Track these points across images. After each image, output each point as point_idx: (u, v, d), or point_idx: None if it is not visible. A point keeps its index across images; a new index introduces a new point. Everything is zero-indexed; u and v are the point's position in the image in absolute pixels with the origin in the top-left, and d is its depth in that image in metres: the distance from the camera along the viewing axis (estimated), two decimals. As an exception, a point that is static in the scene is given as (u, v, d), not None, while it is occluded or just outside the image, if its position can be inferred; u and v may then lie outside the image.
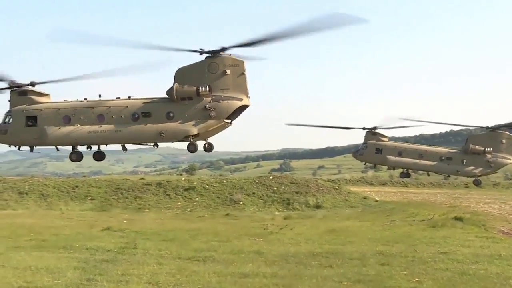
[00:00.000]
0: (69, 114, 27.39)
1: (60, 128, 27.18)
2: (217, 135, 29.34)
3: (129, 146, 31.89)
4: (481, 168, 38.88)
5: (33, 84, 27.81)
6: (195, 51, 25.62)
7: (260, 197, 46.82)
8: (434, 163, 41.44)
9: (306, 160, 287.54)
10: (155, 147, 28.85)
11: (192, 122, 25.98)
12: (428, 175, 44.54)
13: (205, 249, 21.72)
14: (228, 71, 25.47)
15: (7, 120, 28.11)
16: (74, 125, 27.47)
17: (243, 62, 26.04)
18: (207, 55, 25.86)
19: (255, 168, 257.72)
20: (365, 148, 42.77)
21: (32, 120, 27.51)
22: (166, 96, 27.01)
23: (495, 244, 22.79)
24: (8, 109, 28.61)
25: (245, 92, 26.30)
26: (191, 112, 26.26)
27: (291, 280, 14.87)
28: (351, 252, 20.20)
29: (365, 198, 47.93)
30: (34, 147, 28.91)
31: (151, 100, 27.02)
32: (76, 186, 50.45)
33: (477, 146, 39.32)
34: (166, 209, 43.34)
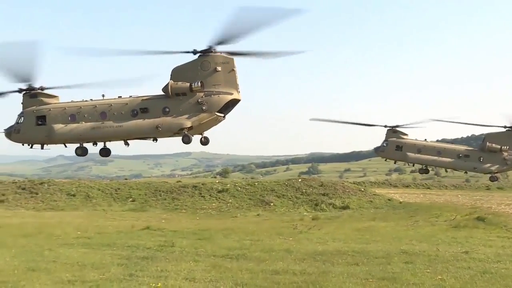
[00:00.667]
0: (75, 113, 27.84)
1: (66, 125, 27.63)
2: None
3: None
4: (497, 165, 38.56)
5: (42, 88, 28.12)
6: (189, 52, 25.98)
7: (290, 198, 46.70)
8: (452, 160, 41.14)
9: (333, 163, 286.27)
10: (155, 141, 28.68)
11: (186, 116, 26.38)
12: (446, 171, 44.06)
13: (238, 247, 21.65)
14: (219, 68, 25.83)
15: (20, 120, 28.52)
16: (79, 123, 27.87)
17: (233, 59, 26.22)
18: (200, 54, 26.04)
19: (284, 171, 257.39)
20: (386, 145, 42.56)
21: (41, 119, 28.06)
22: (163, 93, 27.27)
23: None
24: (21, 110, 29.09)
25: (235, 87, 26.53)
26: (185, 107, 26.63)
27: (319, 277, 14.73)
28: (376, 251, 20.01)
29: (389, 199, 47.58)
30: (45, 145, 29.09)
31: (149, 97, 27.32)
32: (118, 188, 50.77)
33: (494, 144, 39.04)
34: (201, 210, 43.43)
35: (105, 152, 29.53)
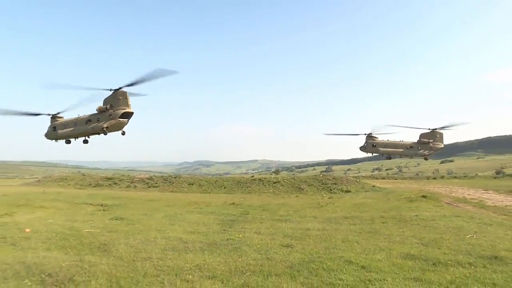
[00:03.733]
0: (65, 124, 28.98)
1: (62, 130, 28.76)
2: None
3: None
4: (427, 151, 38.32)
5: (57, 113, 29.49)
6: (108, 89, 26.11)
7: (315, 186, 46.31)
8: (403, 150, 40.72)
9: (340, 165, 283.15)
10: (105, 134, 29.25)
11: (104, 122, 26.60)
12: (400, 157, 43.61)
13: (285, 214, 21.69)
14: (120, 97, 25.93)
15: (48, 129, 29.79)
16: (67, 129, 28.79)
17: (126, 92, 26.02)
18: (113, 91, 26.18)
19: (312, 170, 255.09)
20: (366, 145, 42.10)
21: (55, 128, 29.34)
22: (96, 111, 27.35)
23: (442, 210, 22.12)
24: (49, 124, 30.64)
25: (128, 106, 26.25)
26: (104, 117, 26.71)
27: (333, 232, 14.69)
28: (365, 216, 19.71)
29: (373, 186, 46.63)
30: (57, 140, 29.74)
31: (91, 114, 27.62)
32: (216, 180, 51.36)
33: (424, 139, 38.82)
34: (264, 193, 43.48)
35: (84, 141, 29.26)
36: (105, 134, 27.21)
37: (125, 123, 26.49)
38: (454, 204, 26.25)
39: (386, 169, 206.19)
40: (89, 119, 27.72)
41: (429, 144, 38.82)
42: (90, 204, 27.82)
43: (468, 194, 33.61)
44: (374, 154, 43.96)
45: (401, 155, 42.34)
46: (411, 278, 8.40)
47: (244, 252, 10.97)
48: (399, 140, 41.75)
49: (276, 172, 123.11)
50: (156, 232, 14.09)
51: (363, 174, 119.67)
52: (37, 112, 29.26)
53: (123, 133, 27.14)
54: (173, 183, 50.83)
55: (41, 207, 24.06)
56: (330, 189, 44.69)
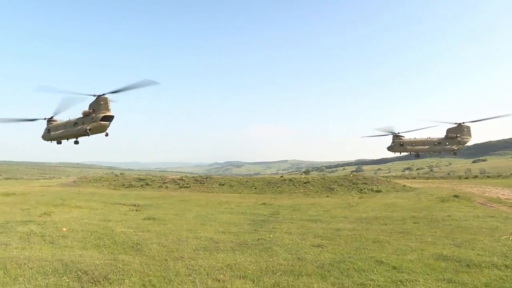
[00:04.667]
0: (56, 127, 31.00)
1: (55, 132, 30.90)
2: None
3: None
4: (455, 146, 37.32)
5: (51, 117, 31.59)
6: (91, 95, 27.51)
7: (345, 186, 45.86)
8: (431, 146, 39.78)
9: (370, 165, 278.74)
10: (88, 135, 29.67)
11: (88, 125, 28.00)
12: (429, 153, 42.62)
13: (316, 215, 21.59)
14: (102, 102, 27.35)
15: (45, 131, 32.00)
16: (58, 131, 30.75)
17: (107, 98, 27.30)
18: (96, 96, 27.52)
19: (342, 170, 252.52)
20: (394, 144, 41.29)
21: (49, 130, 31.45)
22: (82, 115, 28.85)
23: (475, 210, 21.52)
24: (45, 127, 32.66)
25: (108, 110, 27.54)
26: (88, 120, 28.12)
27: (363, 232, 14.51)
28: (396, 216, 19.38)
29: (404, 186, 45.77)
30: (51, 141, 31.80)
31: (78, 117, 29.12)
32: (247, 181, 51.61)
33: (451, 134, 37.85)
34: (294, 193, 43.38)
35: (75, 142, 31.04)
36: (88, 135, 29.11)
37: (107, 126, 28.18)
38: (488, 204, 25.42)
39: (417, 169, 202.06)
40: (76, 122, 29.63)
41: (456, 138, 37.98)
42: (123, 204, 28.42)
43: (503, 194, 32.47)
44: (402, 153, 43.17)
45: (429, 152, 41.55)
46: (444, 280, 8.20)
47: (275, 252, 10.99)
48: (426, 137, 40.89)
49: (306, 172, 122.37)
50: (187, 232, 14.25)
51: (393, 174, 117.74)
52: (34, 117, 31.71)
53: (106, 135, 28.86)
54: (204, 183, 51.41)
55: (76, 207, 24.75)
56: (361, 189, 44.18)
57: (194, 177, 58.14)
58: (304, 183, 48.11)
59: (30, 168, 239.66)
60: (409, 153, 42.14)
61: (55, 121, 31.72)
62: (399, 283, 8.02)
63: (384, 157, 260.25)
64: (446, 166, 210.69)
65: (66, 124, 30.49)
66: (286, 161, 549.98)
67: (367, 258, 9.96)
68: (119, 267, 8.86)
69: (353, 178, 49.99)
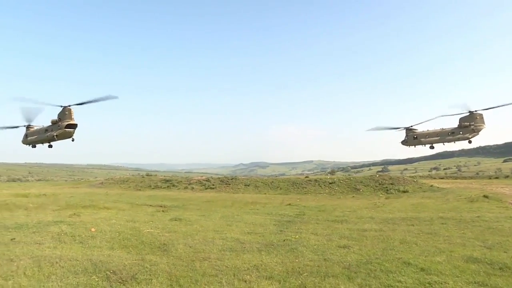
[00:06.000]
0: (32, 133, 32.81)
1: (32, 137, 32.76)
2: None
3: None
4: (469, 134, 36.39)
5: (29, 124, 33.21)
6: (59, 106, 29.52)
7: (371, 187, 45.15)
8: (445, 136, 38.82)
9: (397, 165, 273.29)
10: (54, 140, 31.88)
11: (55, 132, 30.55)
12: (444, 144, 41.40)
13: (341, 215, 21.29)
14: (67, 112, 29.52)
15: (24, 137, 33.69)
16: (34, 136, 32.61)
17: (71, 109, 29.55)
18: (63, 107, 29.65)
19: (368, 170, 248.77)
20: (408, 138, 40.45)
21: (27, 136, 33.27)
22: (50, 123, 30.96)
23: (507, 211, 20.72)
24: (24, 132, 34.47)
25: (71, 119, 29.68)
26: (55, 128, 30.63)
27: (390, 232, 14.23)
28: (424, 217, 18.91)
29: (431, 186, 44.64)
30: (29, 145, 33.52)
31: (48, 125, 31.16)
32: (272, 181, 51.49)
33: (464, 122, 36.87)
34: (319, 194, 43.02)
35: (49, 146, 32.73)
36: (55, 140, 31.40)
37: (72, 132, 30.34)
38: (521, 205, 24.56)
39: (444, 169, 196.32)
40: (46, 129, 31.75)
41: (470, 126, 37.09)
42: (150, 205, 28.76)
43: (537, 195, 31.32)
44: (416, 146, 42.24)
45: (443, 142, 40.52)
46: (475, 283, 7.92)
47: (301, 252, 10.91)
48: (439, 128, 40.00)
49: (332, 172, 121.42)
50: (214, 233, 14.30)
51: (420, 174, 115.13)
52: (16, 125, 33.89)
53: (73, 140, 31.04)
54: (230, 184, 51.56)
55: (104, 207, 25.23)
56: (387, 190, 43.40)
57: (219, 178, 58.25)
58: (330, 183, 47.64)
59: (59, 170, 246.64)
60: (423, 145, 41.25)
61: (32, 127, 33.90)
62: (427, 285, 7.81)
63: (411, 156, 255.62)
64: (475, 165, 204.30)
65: (39, 131, 32.80)
66: (311, 161, 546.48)
67: (394, 259, 9.75)
68: (147, 267, 8.98)
69: (379, 178, 49.15)
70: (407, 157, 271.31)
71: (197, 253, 10.72)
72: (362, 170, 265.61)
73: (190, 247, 11.58)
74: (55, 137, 30.57)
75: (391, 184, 45.76)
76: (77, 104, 29.41)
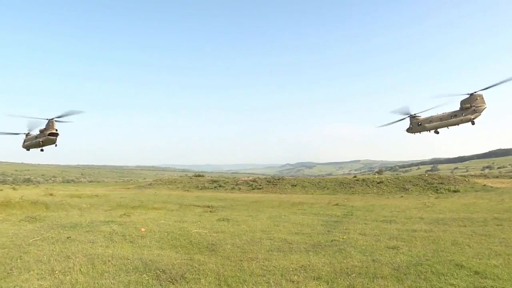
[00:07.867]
0: (28, 139, 34.95)
1: (27, 142, 34.88)
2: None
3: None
4: (471, 115, 34.45)
5: (29, 132, 35.31)
6: (45, 118, 32.31)
7: (421, 186, 43.65)
8: (449, 120, 36.92)
9: (446, 164, 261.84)
10: (40, 145, 34.09)
11: (41, 139, 33.10)
12: (448, 128, 39.23)
13: (390, 215, 20.72)
14: (50, 124, 32.12)
15: (23, 142, 35.88)
16: (29, 142, 34.61)
17: (53, 120, 32.15)
18: (49, 120, 32.24)
19: (417, 169, 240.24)
20: (412, 125, 38.73)
21: (24, 141, 35.45)
22: (39, 131, 33.39)
23: None
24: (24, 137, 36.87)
25: (53, 128, 32.25)
26: (41, 135, 33.14)
27: (441, 233, 13.66)
28: (477, 217, 18.00)
29: (484, 185, 42.47)
30: (26, 149, 35.68)
31: (37, 134, 33.54)
32: (319, 181, 51.06)
33: (466, 104, 34.91)
34: (367, 194, 42.14)
35: (41, 149, 34.38)
36: (41, 146, 33.80)
37: (54, 139, 32.88)
38: None
39: (498, 167, 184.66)
40: (36, 136, 34.30)
41: (471, 107, 35.26)
42: (198, 206, 29.23)
43: None
44: (421, 133, 40.43)
45: (447, 126, 38.59)
46: (535, 288, 7.45)
47: (349, 253, 10.73)
48: (441, 112, 38.23)
49: (379, 172, 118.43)
50: (261, 233, 14.33)
51: (472, 173, 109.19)
52: (16, 132, 36.64)
53: (56, 145, 33.53)
54: (276, 184, 51.63)
55: (153, 208, 25.90)
56: (437, 189, 41.79)
57: (266, 178, 58.39)
58: (378, 183, 46.54)
59: (110, 172, 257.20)
60: (428, 131, 39.47)
61: (29, 135, 36.74)
62: (482, 289, 7.43)
63: (462, 155, 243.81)
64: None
65: (32, 138, 35.57)
66: (359, 161, 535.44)
67: (446, 261, 9.35)
68: (195, 267, 9.17)
69: (429, 177, 47.39)
70: (457, 156, 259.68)
71: (244, 253, 10.81)
72: (410, 169, 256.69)
73: (238, 247, 11.69)
74: (41, 142, 33.81)
75: (441, 183, 44.04)
76: (57, 117, 32.72)
